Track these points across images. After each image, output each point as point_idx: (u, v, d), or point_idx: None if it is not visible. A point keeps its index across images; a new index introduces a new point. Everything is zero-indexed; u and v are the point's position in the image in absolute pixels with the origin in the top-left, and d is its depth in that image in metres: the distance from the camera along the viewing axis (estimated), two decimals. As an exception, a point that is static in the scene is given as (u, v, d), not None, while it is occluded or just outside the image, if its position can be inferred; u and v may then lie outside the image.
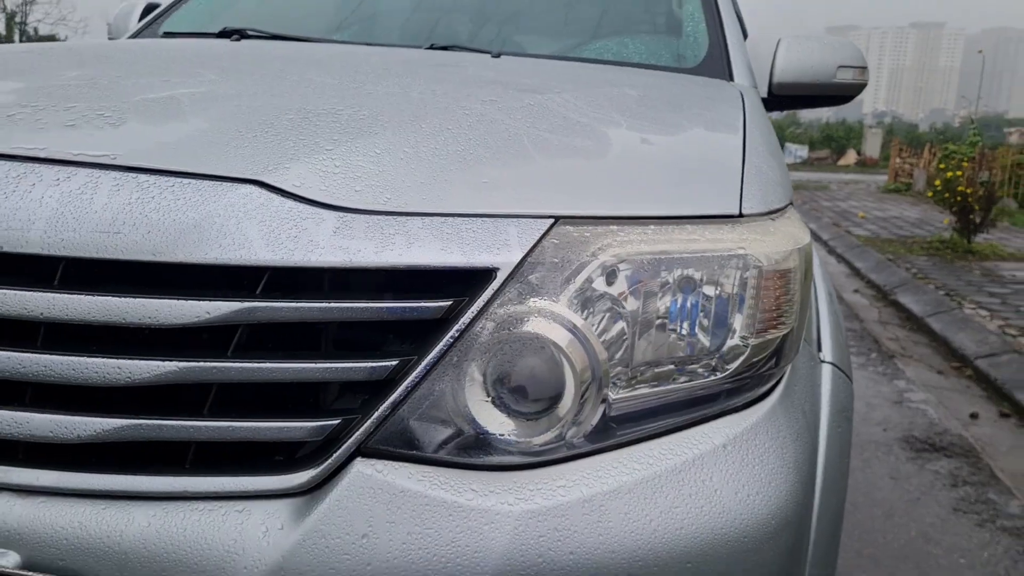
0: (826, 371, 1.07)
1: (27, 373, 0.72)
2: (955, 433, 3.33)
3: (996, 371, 3.96)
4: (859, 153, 32.78)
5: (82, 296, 0.72)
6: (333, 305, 0.73)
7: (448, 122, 0.93)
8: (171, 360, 0.72)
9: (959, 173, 7.96)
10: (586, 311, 0.79)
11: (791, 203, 1.03)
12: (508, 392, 0.76)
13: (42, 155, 0.77)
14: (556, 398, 0.77)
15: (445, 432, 0.75)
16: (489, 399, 0.76)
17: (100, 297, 0.72)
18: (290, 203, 0.76)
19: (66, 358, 0.71)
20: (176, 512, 0.71)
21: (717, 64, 1.81)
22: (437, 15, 2.21)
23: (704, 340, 0.82)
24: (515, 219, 0.78)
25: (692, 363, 0.83)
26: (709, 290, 0.83)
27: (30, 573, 0.69)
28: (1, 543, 0.70)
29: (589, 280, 0.79)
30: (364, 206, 0.77)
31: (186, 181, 0.76)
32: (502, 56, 1.62)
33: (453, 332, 0.74)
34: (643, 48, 1.90)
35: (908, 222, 10.62)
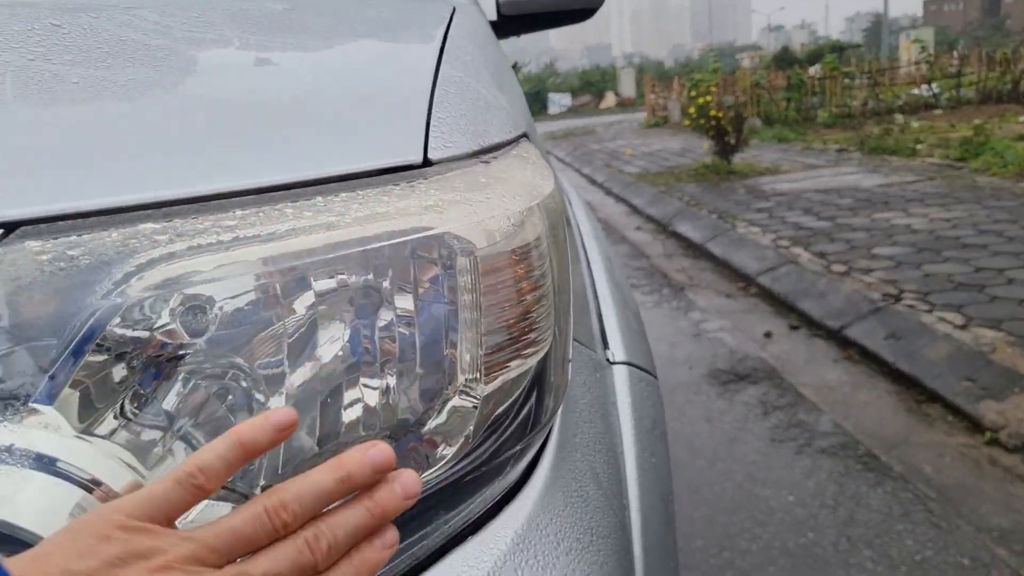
0: (621, 377, 0.71)
1: None
2: (754, 356, 3.28)
3: (778, 285, 4.01)
4: (617, 94, 34.25)
5: None
6: None
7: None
8: None
9: (709, 98, 8.28)
10: (120, 409, 0.36)
11: (525, 135, 0.65)
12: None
13: None
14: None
15: None
16: None
17: None
18: None
19: None
20: None
21: (430, -18, 1.41)
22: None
23: (392, 406, 0.42)
24: None
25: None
26: (384, 310, 0.43)
27: None
28: None
29: (119, 342, 0.36)
30: None
31: None
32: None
33: None
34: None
35: (672, 153, 11.06)
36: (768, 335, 3.51)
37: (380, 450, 0.37)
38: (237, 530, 0.33)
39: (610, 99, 34.08)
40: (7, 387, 0.34)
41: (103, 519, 0.31)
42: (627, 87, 33.81)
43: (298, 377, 0.42)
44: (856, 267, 3.98)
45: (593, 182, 9.58)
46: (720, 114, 7.93)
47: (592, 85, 37.17)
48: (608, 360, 0.72)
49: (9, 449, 0.33)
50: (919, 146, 8.43)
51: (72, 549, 0.29)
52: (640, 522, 0.60)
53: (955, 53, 16.81)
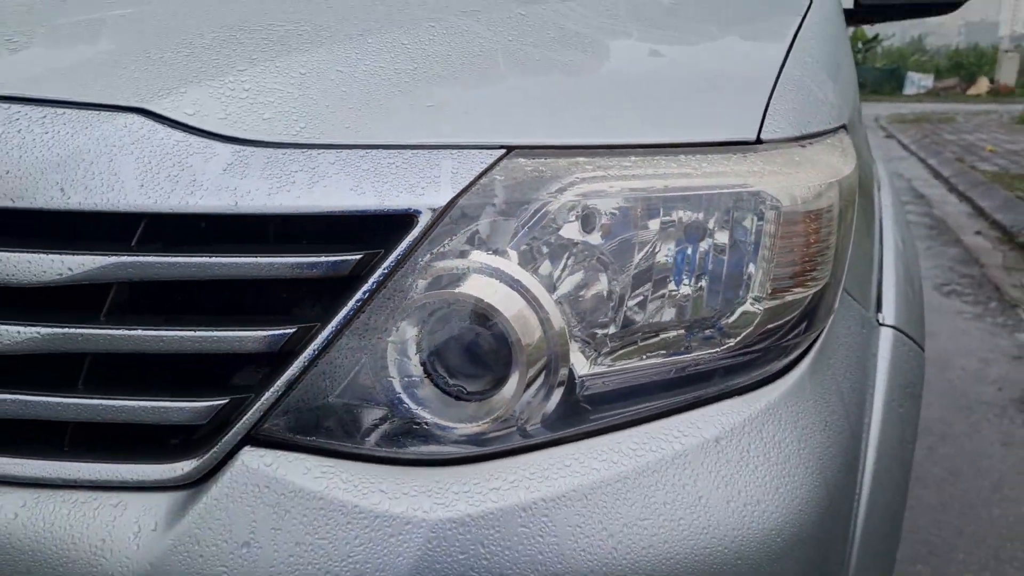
0: (886, 337, 0.86)
1: None
2: (1085, 393, 2.95)
3: None
4: (992, 81, 29.94)
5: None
6: (215, 260, 0.59)
7: (406, 36, 0.77)
8: (33, 325, 0.60)
9: (1108, 99, 7.05)
10: (542, 265, 0.62)
11: (844, 127, 0.81)
12: (439, 367, 0.61)
13: None
14: (502, 376, 0.61)
15: (359, 416, 0.61)
16: (416, 375, 0.61)
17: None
18: (179, 135, 0.62)
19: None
20: (47, 502, 0.60)
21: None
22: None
23: (700, 303, 0.65)
24: (453, 150, 0.62)
25: (684, 332, 0.65)
26: (707, 239, 0.64)
27: None
28: None
29: (547, 226, 0.62)
30: (268, 137, 0.62)
31: (59, 111, 0.63)
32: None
33: (362, 293, 0.59)
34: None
35: (1046, 156, 9.59)
36: (1109, 375, 3.12)
37: None
38: None
39: (982, 85, 29.89)
40: (489, 242, 0.62)
41: None
42: (1007, 74, 29.32)
43: (623, 270, 0.65)
44: None
45: (937, 175, 8.71)
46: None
47: (963, 67, 32.82)
48: (878, 321, 0.87)
49: (491, 269, 0.60)
50: None
51: None
52: (876, 443, 0.76)
53: None
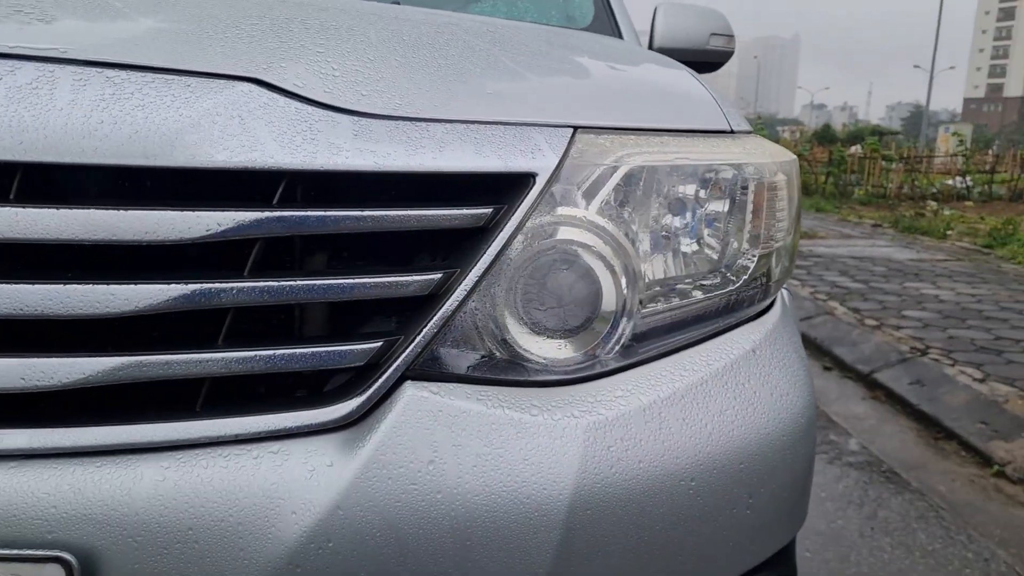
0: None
1: (-16, 308, 0.57)
2: (790, 386, 3.64)
3: (814, 331, 4.38)
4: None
5: (52, 210, 0.58)
6: (368, 213, 0.64)
7: (426, 36, 0.86)
8: (177, 282, 0.60)
9: (756, 160, 8.75)
10: (617, 220, 0.76)
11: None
12: (550, 306, 0.72)
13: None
14: (597, 311, 0.73)
15: (487, 350, 0.69)
16: (531, 314, 0.71)
17: (78, 210, 0.59)
18: (296, 104, 0.66)
19: (42, 287, 0.58)
20: (194, 462, 0.60)
21: (605, 25, 1.84)
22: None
23: (720, 251, 0.82)
24: (538, 127, 0.74)
25: (711, 274, 0.82)
26: (721, 201, 0.82)
27: (8, 551, 0.56)
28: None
29: (616, 188, 0.76)
30: (375, 110, 0.69)
31: (168, 77, 0.64)
32: (402, 5, 1.54)
33: (497, 242, 0.68)
34: (533, 8, 1.89)
35: (710, 208, 11.53)
36: (802, 372, 3.88)
37: None
38: None
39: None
40: (578, 201, 0.74)
41: None
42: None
43: (668, 224, 0.81)
44: (887, 324, 4.35)
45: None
46: (765, 176, 8.37)
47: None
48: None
49: (589, 223, 0.72)
50: (949, 231, 8.81)
51: None
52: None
53: (990, 151, 17.24)
